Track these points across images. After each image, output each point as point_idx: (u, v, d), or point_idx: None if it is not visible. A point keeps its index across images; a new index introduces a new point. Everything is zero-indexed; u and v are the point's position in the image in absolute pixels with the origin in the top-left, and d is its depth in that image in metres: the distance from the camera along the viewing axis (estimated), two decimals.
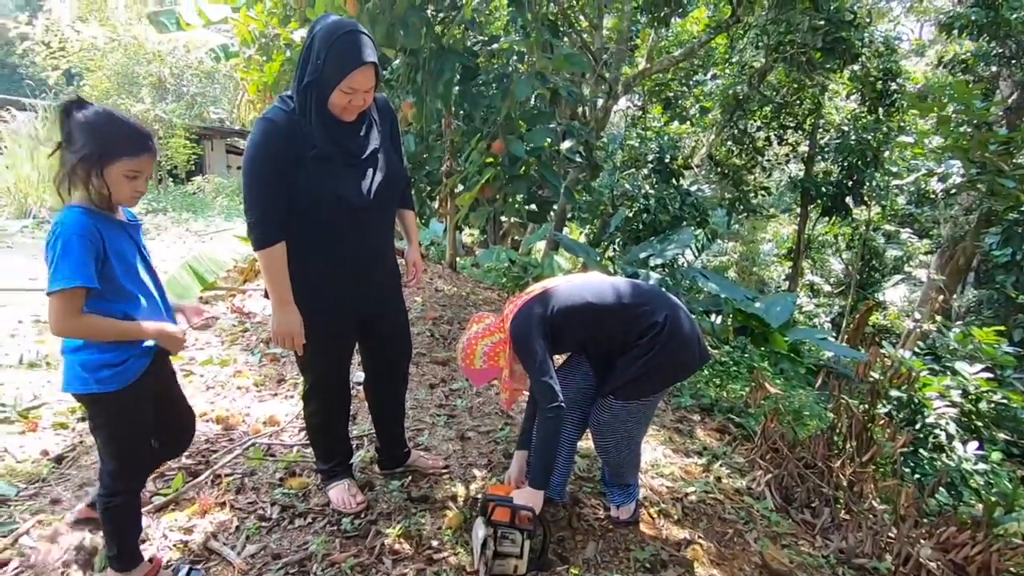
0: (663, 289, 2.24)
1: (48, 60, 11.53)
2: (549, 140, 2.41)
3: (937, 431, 3.79)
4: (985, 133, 2.88)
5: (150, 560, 1.67)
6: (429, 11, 2.72)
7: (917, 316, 11.67)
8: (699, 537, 2.12)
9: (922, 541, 2.35)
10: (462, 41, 3.00)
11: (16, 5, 20.93)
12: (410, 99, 2.97)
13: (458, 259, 6.43)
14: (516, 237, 10.99)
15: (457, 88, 3.28)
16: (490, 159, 2.69)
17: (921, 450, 3.70)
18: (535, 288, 1.98)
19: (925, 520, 2.64)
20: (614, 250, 7.47)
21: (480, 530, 1.80)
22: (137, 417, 1.55)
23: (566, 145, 2.81)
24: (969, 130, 2.95)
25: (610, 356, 1.94)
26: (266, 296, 1.85)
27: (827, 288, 16.90)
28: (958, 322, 10.53)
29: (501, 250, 7.64)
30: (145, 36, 11.24)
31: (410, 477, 2.27)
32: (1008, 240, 3.19)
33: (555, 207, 2.78)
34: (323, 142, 1.71)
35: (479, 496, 2.17)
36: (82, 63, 11.42)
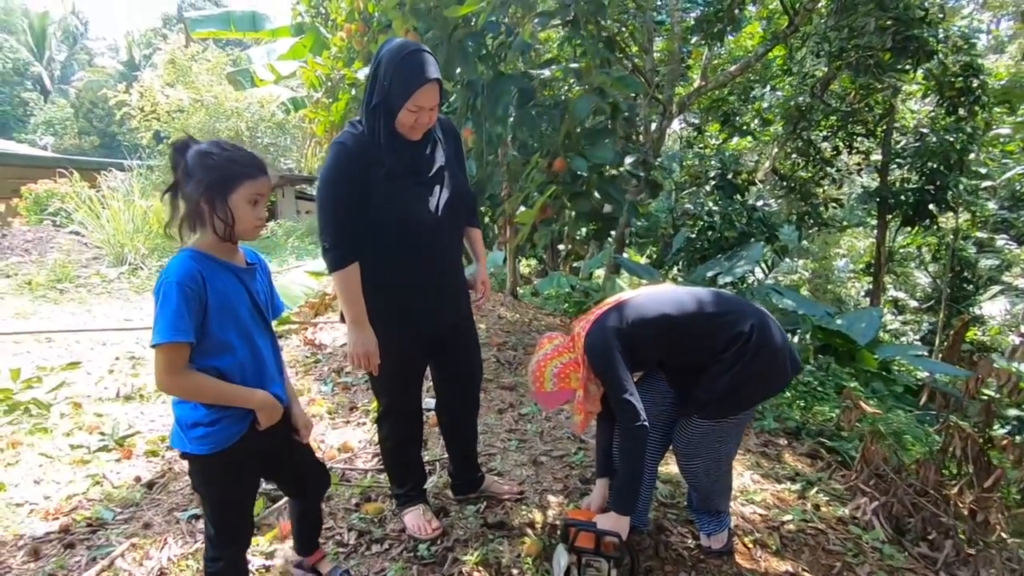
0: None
1: (142, 123, 12.75)
2: (612, 156, 2.36)
3: None
4: None
5: None
6: (487, 38, 2.78)
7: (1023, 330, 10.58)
8: (803, 570, 1.92)
9: None
10: (517, 65, 3.04)
11: (115, 80, 23.45)
12: (469, 125, 3.02)
13: (517, 287, 6.43)
14: (574, 263, 10.91)
15: (514, 112, 3.32)
16: (551, 178, 2.67)
17: None
18: (608, 301, 1.90)
19: None
20: (678, 271, 7.24)
21: (563, 558, 1.70)
22: (231, 484, 1.44)
23: (628, 161, 2.75)
24: None
25: (691, 371, 1.80)
26: (342, 321, 1.87)
27: (913, 304, 15.67)
28: None
29: (561, 276, 7.57)
30: (224, 95, 12.24)
31: (485, 503, 2.20)
32: None
33: (618, 225, 2.71)
34: (392, 160, 1.75)
35: (558, 522, 2.07)
36: (170, 124, 12.55)
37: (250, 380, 1.39)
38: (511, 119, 3.36)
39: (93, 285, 6.77)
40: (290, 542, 1.98)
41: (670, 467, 2.45)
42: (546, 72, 3.03)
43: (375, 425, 2.07)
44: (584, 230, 2.52)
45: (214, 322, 1.31)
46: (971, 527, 2.41)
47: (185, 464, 2.53)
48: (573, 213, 2.58)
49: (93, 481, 2.41)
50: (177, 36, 15.42)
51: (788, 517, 2.26)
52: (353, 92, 3.57)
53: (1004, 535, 2.52)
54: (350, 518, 2.13)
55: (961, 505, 2.57)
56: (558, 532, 1.82)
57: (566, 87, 3.88)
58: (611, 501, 1.79)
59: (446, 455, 2.32)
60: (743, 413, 1.81)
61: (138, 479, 2.45)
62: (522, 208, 2.85)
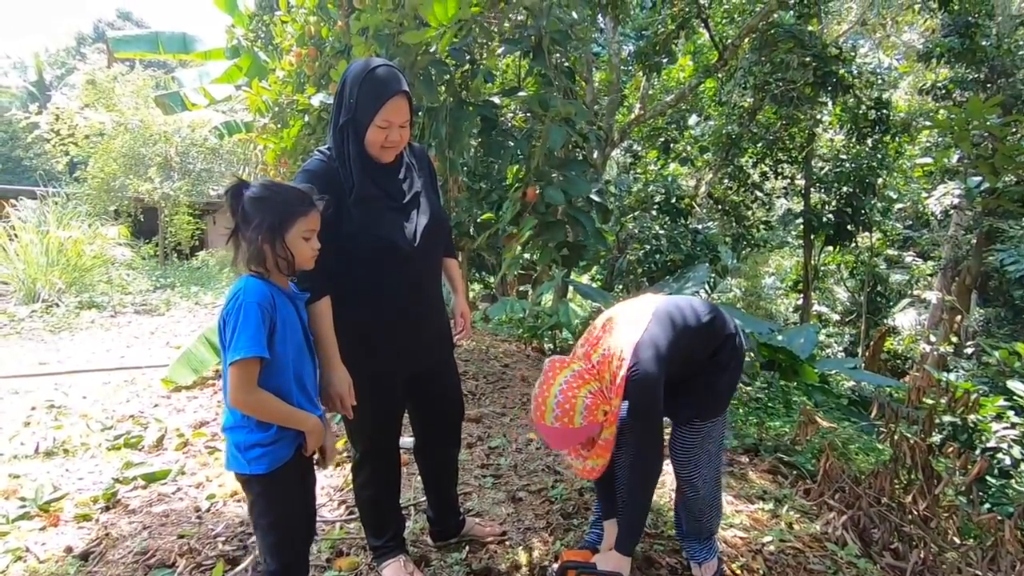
0: None
1: (57, 147, 11.82)
2: (588, 187, 2.38)
3: (999, 455, 3.60)
4: (1009, 146, 2.88)
5: None
6: (451, 64, 2.75)
7: (932, 339, 11.52)
8: None
9: None
10: (480, 92, 3.03)
11: (22, 100, 21.76)
12: (432, 153, 2.97)
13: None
14: (521, 287, 10.95)
15: (478, 140, 3.30)
16: (523, 208, 2.65)
17: (988, 477, 3.51)
18: (612, 316, 1.79)
19: (1021, 557, 2.44)
20: (627, 293, 7.40)
21: None
22: (292, 502, 1.49)
23: (595, 189, 2.78)
24: (991, 145, 2.96)
25: (680, 381, 1.77)
26: None
27: (835, 317, 16.78)
28: (968, 343, 10.38)
29: (513, 301, 7.55)
30: (152, 119, 11.58)
31: (467, 547, 2.09)
32: None
33: (587, 252, 2.72)
34: (363, 184, 1.66)
35: (546, 564, 1.99)
36: (89, 149, 11.71)
37: (300, 402, 1.45)
38: (473, 147, 3.34)
39: None
40: None
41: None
42: (509, 99, 3.03)
43: (351, 472, 1.92)
44: (555, 258, 2.51)
45: (278, 343, 1.39)
46: (931, 535, 2.53)
47: (125, 527, 2.30)
48: (544, 243, 2.56)
49: (14, 556, 2.10)
50: (97, 56, 14.54)
51: (768, 539, 2.28)
52: (305, 118, 3.44)
53: (956, 539, 2.67)
54: None
55: (916, 513, 2.70)
56: (555, 574, 1.74)
57: (526, 116, 3.93)
58: (618, 543, 1.73)
59: (423, 498, 2.20)
60: (724, 411, 1.86)
61: (69, 550, 2.15)
62: (475, 237, 2.82)
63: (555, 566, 1.89)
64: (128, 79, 12.31)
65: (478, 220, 4.56)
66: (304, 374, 1.50)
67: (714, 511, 1.88)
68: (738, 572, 2.03)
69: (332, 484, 2.66)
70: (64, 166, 12.80)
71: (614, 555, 1.66)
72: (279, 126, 3.86)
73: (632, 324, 1.71)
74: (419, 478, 2.11)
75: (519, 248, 2.75)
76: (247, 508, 1.51)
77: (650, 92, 10.91)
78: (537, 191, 2.43)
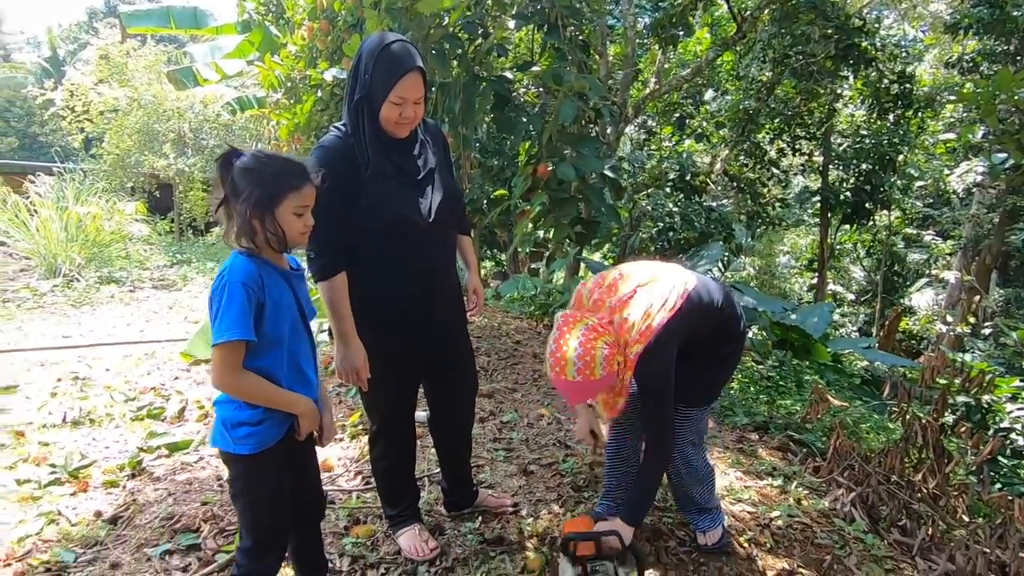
0: None
1: (73, 124, 11.90)
2: (600, 164, 2.36)
3: (1014, 435, 3.59)
4: None
5: None
6: (464, 38, 2.72)
7: (949, 319, 11.37)
8: (799, 567, 1.97)
9: None
10: (493, 67, 3.00)
11: (36, 77, 21.83)
12: (445, 129, 2.96)
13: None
14: (533, 265, 10.94)
15: (491, 116, 3.27)
16: (535, 185, 2.64)
17: (1000, 457, 3.50)
18: (630, 275, 1.76)
19: None
20: None
21: (568, 571, 1.68)
22: (273, 484, 1.43)
23: (606, 167, 2.76)
24: (1018, 120, 2.88)
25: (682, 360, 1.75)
26: (329, 335, 1.78)
27: (850, 297, 16.60)
28: (986, 323, 10.23)
29: (524, 278, 7.56)
30: (164, 94, 11.59)
31: (480, 518, 2.14)
32: None
33: (600, 230, 2.72)
34: (378, 160, 1.67)
35: (558, 535, 2.04)
36: (104, 125, 11.77)
37: (293, 383, 1.41)
38: (487, 123, 3.31)
39: (23, 300, 6.26)
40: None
41: None
42: (522, 74, 2.98)
43: (367, 444, 1.97)
44: (570, 235, 2.50)
45: (268, 323, 1.34)
46: (939, 512, 2.54)
47: (151, 494, 2.39)
48: (557, 219, 2.56)
49: (47, 519, 2.20)
50: (110, 31, 14.51)
51: (776, 513, 2.32)
52: (319, 94, 3.43)
53: (965, 517, 2.68)
54: (340, 543, 2.02)
55: (926, 491, 2.72)
56: (559, 546, 1.79)
57: (538, 91, 3.88)
58: (623, 511, 1.77)
59: (437, 470, 2.25)
60: None
61: (99, 514, 2.25)
62: (488, 213, 2.81)
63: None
64: (140, 54, 12.30)
65: (491, 197, 4.54)
66: (299, 354, 1.45)
67: (704, 486, 1.92)
68: (745, 545, 2.06)
69: (349, 455, 2.73)
70: (80, 143, 12.89)
71: (618, 523, 1.70)
72: (292, 101, 3.85)
73: (659, 299, 1.66)
74: (434, 451, 2.16)
75: (530, 225, 2.75)
76: (227, 481, 1.47)
77: (666, 66, 10.68)
78: (549, 167, 2.42)
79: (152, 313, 6.14)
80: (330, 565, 1.92)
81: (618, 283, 1.75)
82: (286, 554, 1.56)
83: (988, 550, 2.20)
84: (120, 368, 4.17)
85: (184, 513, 2.21)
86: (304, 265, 1.55)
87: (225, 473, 2.59)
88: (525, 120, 2.83)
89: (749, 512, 2.33)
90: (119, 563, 1.95)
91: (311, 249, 1.65)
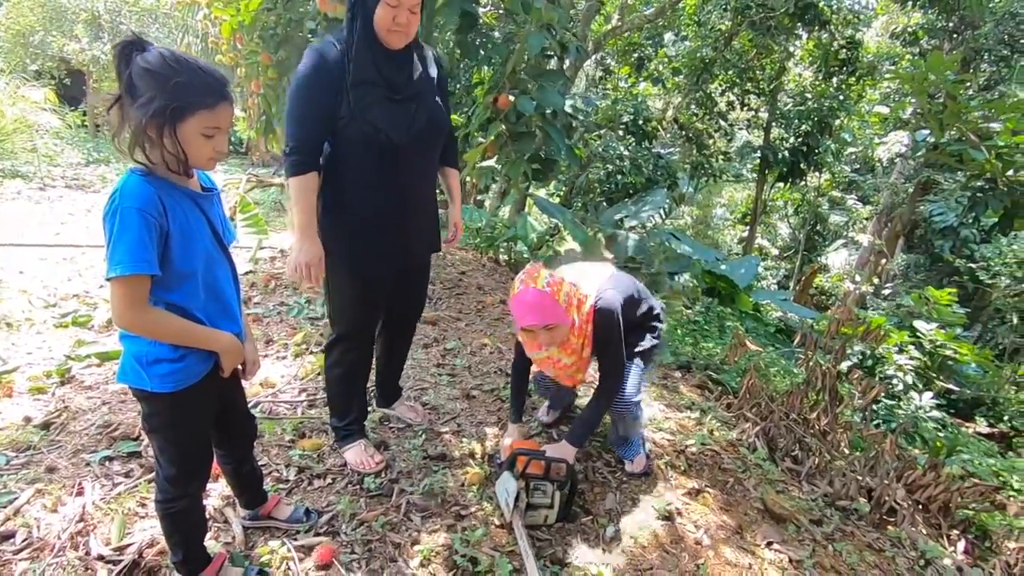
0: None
1: None
2: (561, 100, 2.34)
3: (894, 381, 4.10)
4: (958, 104, 3.03)
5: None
6: None
7: (857, 279, 12.41)
8: (706, 486, 2.23)
9: (895, 484, 2.57)
10: None
11: None
12: None
13: None
14: (479, 197, 10.84)
15: (455, 39, 3.14)
16: (494, 115, 2.61)
17: (884, 399, 4.01)
18: (567, 271, 2.08)
19: (893, 465, 2.87)
20: (587, 211, 7.50)
21: (510, 483, 1.82)
22: (197, 421, 1.35)
23: (568, 104, 2.75)
24: (941, 100, 3.10)
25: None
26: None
27: (775, 252, 17.68)
28: (888, 284, 11.28)
29: (472, 209, 7.52)
30: None
31: (424, 436, 2.26)
32: (973, 206, 3.41)
33: (556, 167, 2.74)
34: (363, 64, 1.64)
35: (496, 453, 2.20)
36: None
37: (212, 316, 1.28)
38: (451, 45, 3.17)
39: None
40: (224, 481, 1.91)
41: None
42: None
43: (323, 351, 2.00)
44: (527, 171, 2.50)
45: (176, 253, 1.17)
46: (826, 445, 2.92)
47: (83, 402, 2.34)
48: (515, 154, 2.56)
49: None
50: None
51: (691, 441, 2.58)
52: None
53: (846, 450, 3.09)
54: (287, 454, 2.09)
55: (818, 427, 3.10)
56: (503, 461, 1.93)
57: (498, 13, 3.72)
58: (570, 435, 1.95)
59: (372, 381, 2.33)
60: None
61: (28, 419, 2.18)
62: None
63: (503, 452, 2.09)
64: None
65: None
66: (217, 282, 1.29)
67: (636, 417, 2.14)
68: (663, 468, 2.31)
69: (291, 373, 2.75)
70: None
71: (565, 445, 1.87)
72: None
73: (594, 276, 2.03)
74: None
75: (482, 155, 2.73)
76: (140, 416, 1.34)
77: (630, 2, 10.42)
78: (510, 99, 2.39)
79: (68, 215, 5.67)
80: (276, 475, 2.00)
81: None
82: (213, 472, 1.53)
83: (861, 477, 2.58)
84: (35, 271, 3.89)
85: (122, 422, 2.19)
86: (218, 185, 1.37)
87: None
88: (492, 47, 2.75)
89: (668, 440, 2.58)
90: (55, 467, 1.93)
91: (287, 143, 1.64)
